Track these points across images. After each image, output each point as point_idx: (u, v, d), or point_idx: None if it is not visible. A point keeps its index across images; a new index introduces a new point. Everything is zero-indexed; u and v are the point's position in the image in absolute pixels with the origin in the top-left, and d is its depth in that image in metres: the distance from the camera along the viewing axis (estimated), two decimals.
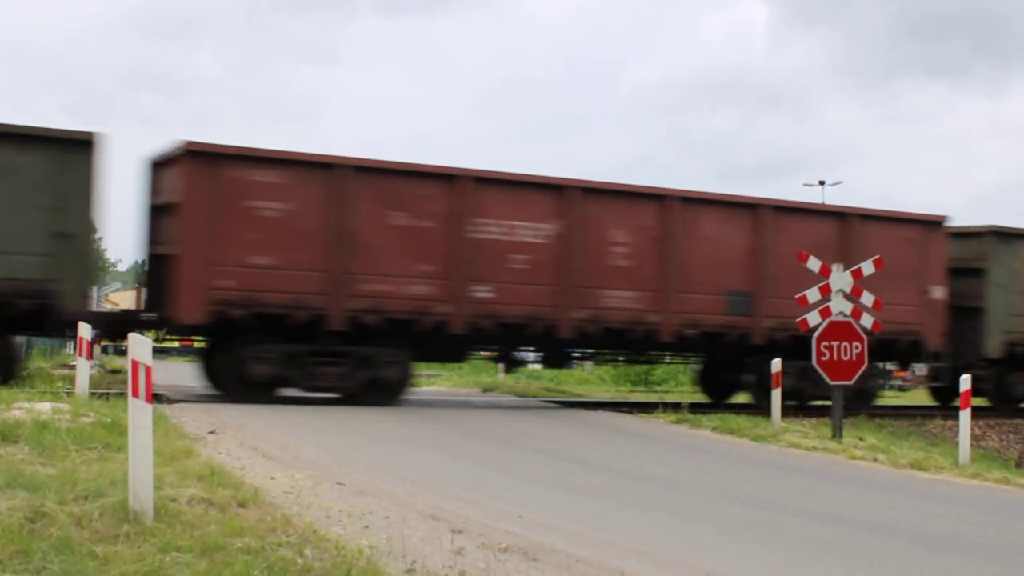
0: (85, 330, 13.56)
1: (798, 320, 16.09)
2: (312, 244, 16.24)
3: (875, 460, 13.84)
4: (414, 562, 6.36)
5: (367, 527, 7.26)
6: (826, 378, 15.63)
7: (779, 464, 13.07)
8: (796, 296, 16.24)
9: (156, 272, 17.15)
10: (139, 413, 6.67)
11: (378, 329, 16.75)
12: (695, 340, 19.06)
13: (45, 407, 11.11)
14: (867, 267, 15.93)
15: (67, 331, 16.39)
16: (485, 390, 23.99)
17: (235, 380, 16.26)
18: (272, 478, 8.99)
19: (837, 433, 15.40)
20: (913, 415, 20.93)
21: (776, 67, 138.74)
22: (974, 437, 17.14)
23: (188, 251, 15.72)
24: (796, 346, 18.14)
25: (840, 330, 15.47)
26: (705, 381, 22.57)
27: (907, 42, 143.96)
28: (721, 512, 9.34)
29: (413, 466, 10.75)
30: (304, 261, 16.18)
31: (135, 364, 6.70)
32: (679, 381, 30.91)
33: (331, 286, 16.37)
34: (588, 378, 32.53)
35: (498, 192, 17.43)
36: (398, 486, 9.20)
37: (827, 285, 15.70)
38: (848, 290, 15.70)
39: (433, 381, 26.78)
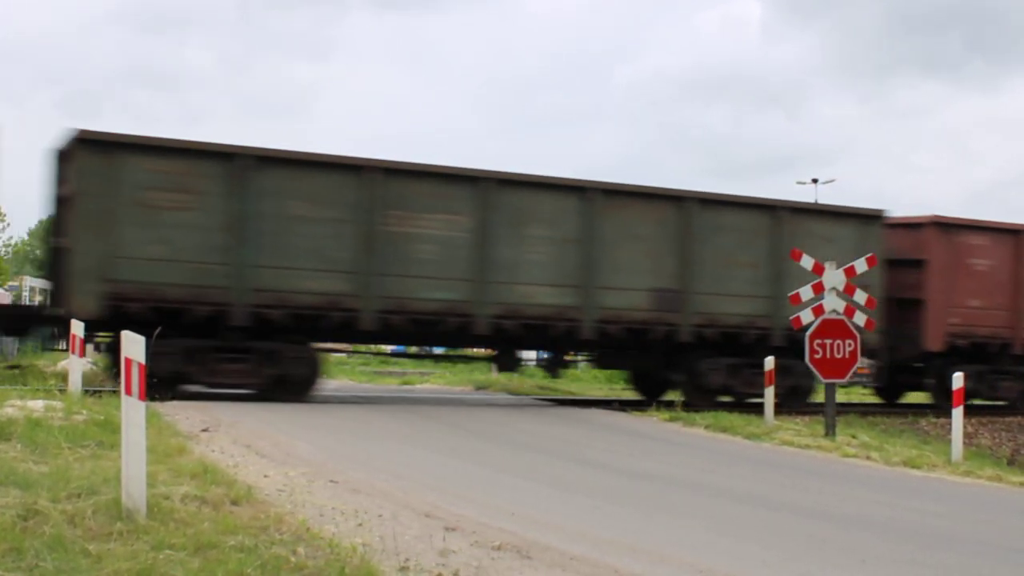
0: (78, 328, 13.54)
1: (791, 318, 16.12)
2: (1002, 289, 21.77)
3: (868, 458, 13.86)
4: (407, 560, 6.35)
5: (360, 525, 7.25)
6: (819, 376, 15.67)
7: (773, 462, 13.07)
8: (789, 295, 16.28)
9: None
10: (132, 411, 6.66)
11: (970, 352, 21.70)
12: None
13: (38, 405, 11.08)
14: (860, 265, 15.96)
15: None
16: (478, 388, 24.00)
17: (942, 394, 20.25)
18: (265, 476, 8.97)
19: (830, 431, 15.42)
20: (905, 413, 20.99)
21: (771, 63, 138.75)
22: (967, 435, 17.15)
23: (934, 298, 21.14)
24: None
25: (833, 328, 15.50)
26: None
27: (902, 37, 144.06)
28: (715, 509, 9.35)
29: (407, 463, 10.74)
30: (997, 303, 21.72)
31: (128, 362, 6.69)
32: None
33: (1016, 320, 22.13)
34: (581, 376, 32.43)
35: None
36: (392, 484, 9.19)
37: (820, 283, 15.72)
38: (841, 288, 15.72)
39: (426, 379, 26.77)
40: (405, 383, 25.39)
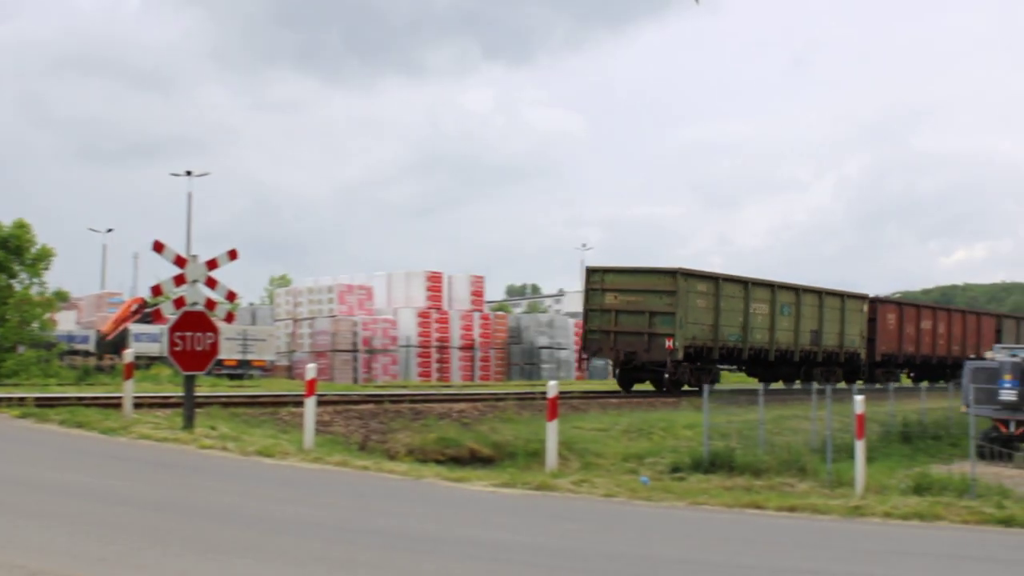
0: None
1: (150, 311, 15.95)
2: None
3: (225, 448, 14.06)
4: None
5: None
6: (178, 368, 15.66)
7: (126, 456, 12.87)
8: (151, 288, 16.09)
9: None
10: None
11: None
12: None
13: None
14: (223, 258, 16.16)
15: None
16: None
17: None
18: None
19: (188, 423, 15.45)
20: (267, 404, 21.55)
21: (150, 45, 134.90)
22: (323, 423, 18.02)
23: None
24: None
25: (195, 321, 15.54)
26: None
27: (280, 30, 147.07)
28: (57, 508, 9.00)
29: None
30: None
31: None
32: (31, 374, 29.29)
33: None
34: None
35: None
36: None
37: (182, 275, 15.70)
38: (203, 280, 15.80)
39: None
40: None
